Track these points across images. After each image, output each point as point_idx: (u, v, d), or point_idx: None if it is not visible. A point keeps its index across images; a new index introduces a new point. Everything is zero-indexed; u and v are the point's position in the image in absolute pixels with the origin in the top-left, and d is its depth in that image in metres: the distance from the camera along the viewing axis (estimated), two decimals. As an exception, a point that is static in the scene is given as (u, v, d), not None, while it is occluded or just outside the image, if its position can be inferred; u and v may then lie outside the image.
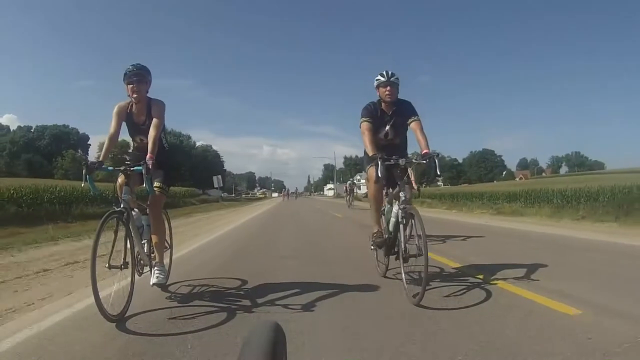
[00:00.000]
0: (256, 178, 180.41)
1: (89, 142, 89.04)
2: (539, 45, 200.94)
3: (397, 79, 4.04)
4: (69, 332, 2.91)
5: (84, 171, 3.23)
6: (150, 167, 3.26)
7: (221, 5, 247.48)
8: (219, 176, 41.53)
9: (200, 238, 9.34)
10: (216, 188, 43.45)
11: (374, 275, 4.42)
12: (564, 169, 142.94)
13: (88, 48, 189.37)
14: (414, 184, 6.73)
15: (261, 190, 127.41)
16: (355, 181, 41.07)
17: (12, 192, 13.51)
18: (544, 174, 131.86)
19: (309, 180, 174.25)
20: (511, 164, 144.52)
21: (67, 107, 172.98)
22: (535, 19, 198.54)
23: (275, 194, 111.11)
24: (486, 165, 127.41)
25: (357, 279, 4.28)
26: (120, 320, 3.03)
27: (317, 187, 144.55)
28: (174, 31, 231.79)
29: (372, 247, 4.44)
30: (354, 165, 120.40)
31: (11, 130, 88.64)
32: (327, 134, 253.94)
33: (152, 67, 3.74)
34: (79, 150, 61.18)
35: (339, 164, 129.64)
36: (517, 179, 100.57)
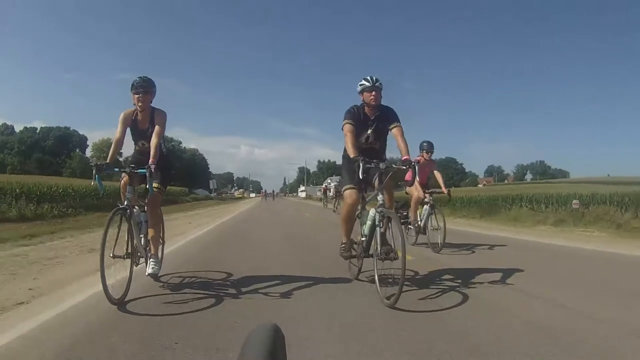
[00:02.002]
0: (234, 178, 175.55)
1: (87, 143, 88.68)
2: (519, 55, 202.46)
3: (381, 84, 3.85)
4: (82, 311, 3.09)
5: (93, 171, 3.39)
6: (153, 170, 3.41)
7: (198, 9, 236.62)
8: (214, 180, 47.12)
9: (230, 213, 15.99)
10: (211, 189, 48.84)
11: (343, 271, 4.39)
12: (528, 177, 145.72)
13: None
14: (443, 188, 6.75)
15: (239, 190, 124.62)
16: (326, 184, 39.70)
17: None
18: (506, 181, 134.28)
19: (284, 182, 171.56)
20: (479, 171, 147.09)
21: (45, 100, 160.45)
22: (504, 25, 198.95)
23: (252, 194, 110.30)
24: (447, 172, 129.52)
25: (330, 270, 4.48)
26: (121, 304, 3.15)
27: (291, 189, 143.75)
28: (156, 30, 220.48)
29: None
30: (327, 169, 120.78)
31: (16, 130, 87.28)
32: (307, 135, 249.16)
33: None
34: (91, 153, 61.38)
35: (313, 167, 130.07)
36: (481, 185, 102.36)
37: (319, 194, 40.26)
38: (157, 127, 3.76)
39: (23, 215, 11.79)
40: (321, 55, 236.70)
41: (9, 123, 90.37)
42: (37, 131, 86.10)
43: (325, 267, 4.79)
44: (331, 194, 27.72)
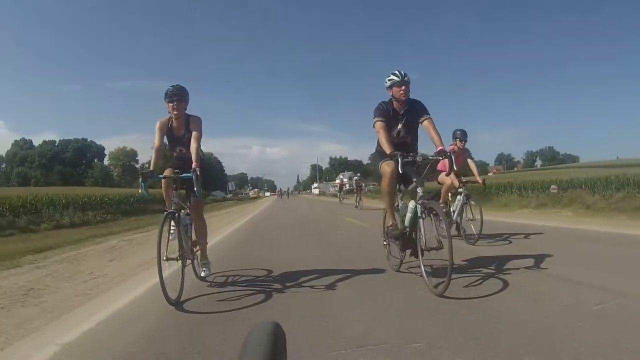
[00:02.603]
0: (248, 178, 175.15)
1: (105, 152, 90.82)
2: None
3: (409, 78, 3.81)
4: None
5: (140, 179, 3.47)
6: (198, 173, 3.48)
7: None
8: (232, 182, 49.58)
9: (252, 212, 18.03)
10: (230, 191, 52.61)
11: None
12: (538, 163, 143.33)
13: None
14: (478, 178, 6.51)
15: (254, 190, 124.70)
16: (340, 180, 38.97)
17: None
18: (515, 168, 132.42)
19: (298, 180, 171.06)
20: (490, 159, 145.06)
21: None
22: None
23: (267, 194, 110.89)
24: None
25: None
26: (178, 303, 3.25)
27: (305, 186, 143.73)
28: (157, 33, 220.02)
29: (385, 243, 4.27)
30: (339, 165, 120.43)
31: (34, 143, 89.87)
32: (318, 132, 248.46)
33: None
34: (108, 162, 63.22)
35: (325, 164, 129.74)
36: (491, 173, 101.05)
37: (332, 189, 40.21)
38: (194, 133, 3.82)
39: (73, 222, 13.28)
40: (321, 55, 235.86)
41: (27, 137, 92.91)
42: (56, 144, 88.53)
43: (361, 259, 4.83)
44: (347, 188, 27.03)
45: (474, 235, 5.88)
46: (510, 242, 6.05)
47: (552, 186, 13.80)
